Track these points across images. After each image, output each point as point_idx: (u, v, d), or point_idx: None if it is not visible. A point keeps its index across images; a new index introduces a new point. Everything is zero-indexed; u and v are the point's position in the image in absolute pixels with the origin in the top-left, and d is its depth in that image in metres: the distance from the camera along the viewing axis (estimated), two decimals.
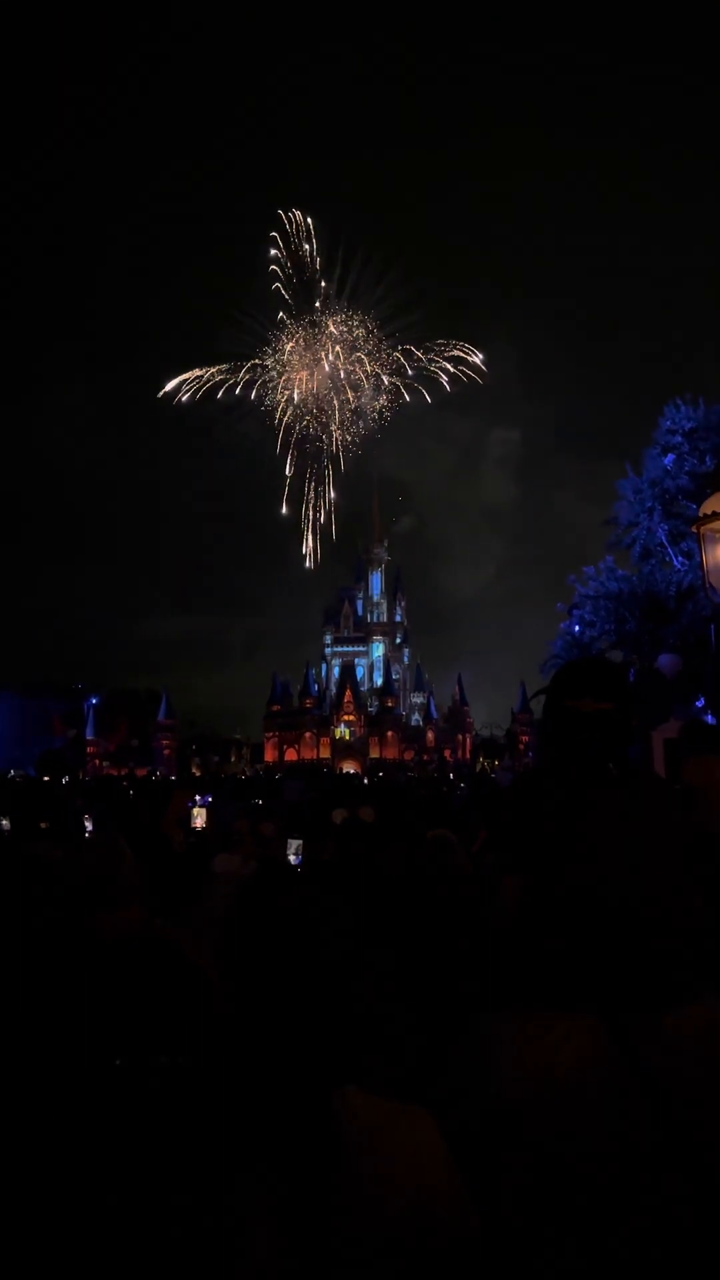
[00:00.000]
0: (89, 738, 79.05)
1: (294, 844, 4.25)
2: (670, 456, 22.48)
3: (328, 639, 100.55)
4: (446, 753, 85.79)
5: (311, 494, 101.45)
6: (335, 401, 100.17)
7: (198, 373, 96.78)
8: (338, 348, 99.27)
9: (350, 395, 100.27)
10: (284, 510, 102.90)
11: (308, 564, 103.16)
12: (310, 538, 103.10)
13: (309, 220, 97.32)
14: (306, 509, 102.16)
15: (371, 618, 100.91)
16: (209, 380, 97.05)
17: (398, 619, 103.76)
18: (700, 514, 7.74)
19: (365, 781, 43.36)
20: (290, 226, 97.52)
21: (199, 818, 7.14)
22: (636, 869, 1.49)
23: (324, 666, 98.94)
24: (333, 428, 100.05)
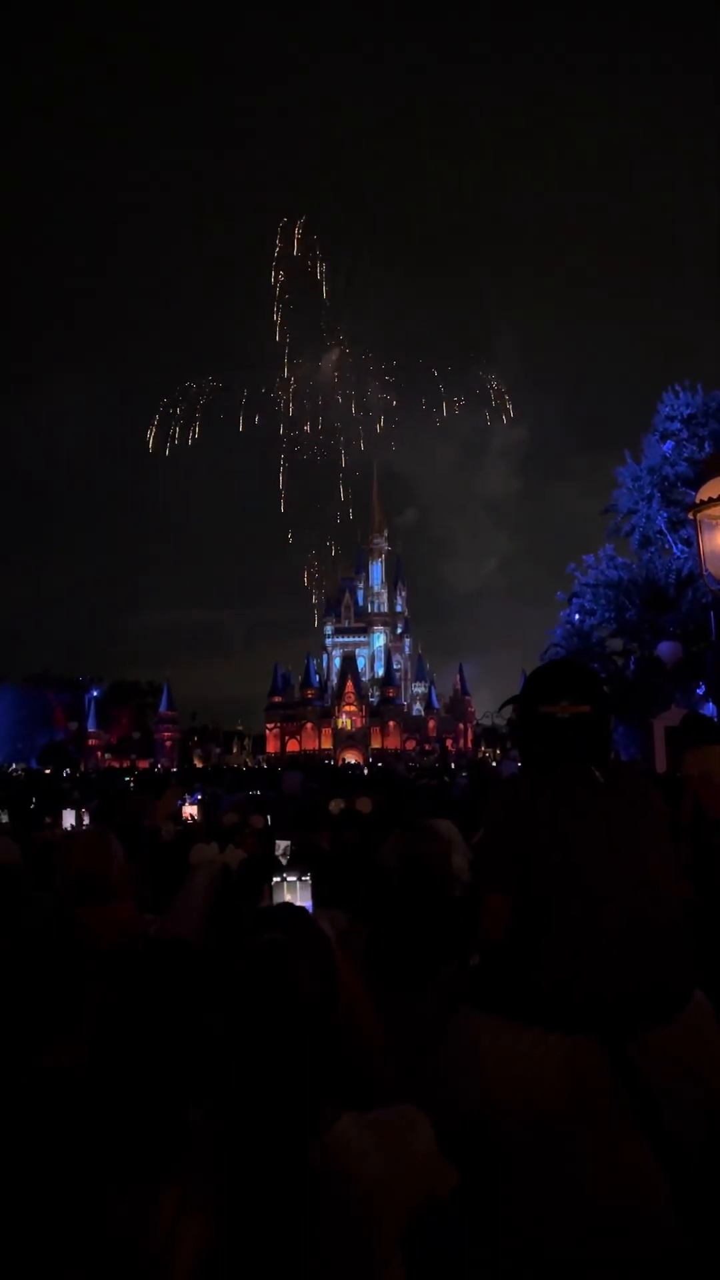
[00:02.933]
0: (91, 730, 79.01)
1: (282, 845, 4.17)
2: (669, 443, 22.40)
3: (329, 629, 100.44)
4: (448, 742, 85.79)
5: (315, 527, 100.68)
6: (339, 422, 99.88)
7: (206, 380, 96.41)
8: (342, 353, 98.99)
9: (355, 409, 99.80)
10: (290, 540, 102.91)
11: (306, 582, 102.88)
12: (312, 572, 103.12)
13: (314, 236, 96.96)
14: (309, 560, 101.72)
15: (372, 608, 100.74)
16: (213, 387, 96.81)
17: (399, 609, 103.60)
18: (697, 500, 7.69)
19: (366, 772, 43.38)
20: (294, 239, 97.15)
21: (189, 811, 7.10)
22: (634, 893, 1.47)
23: (325, 657, 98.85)
24: (340, 452, 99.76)
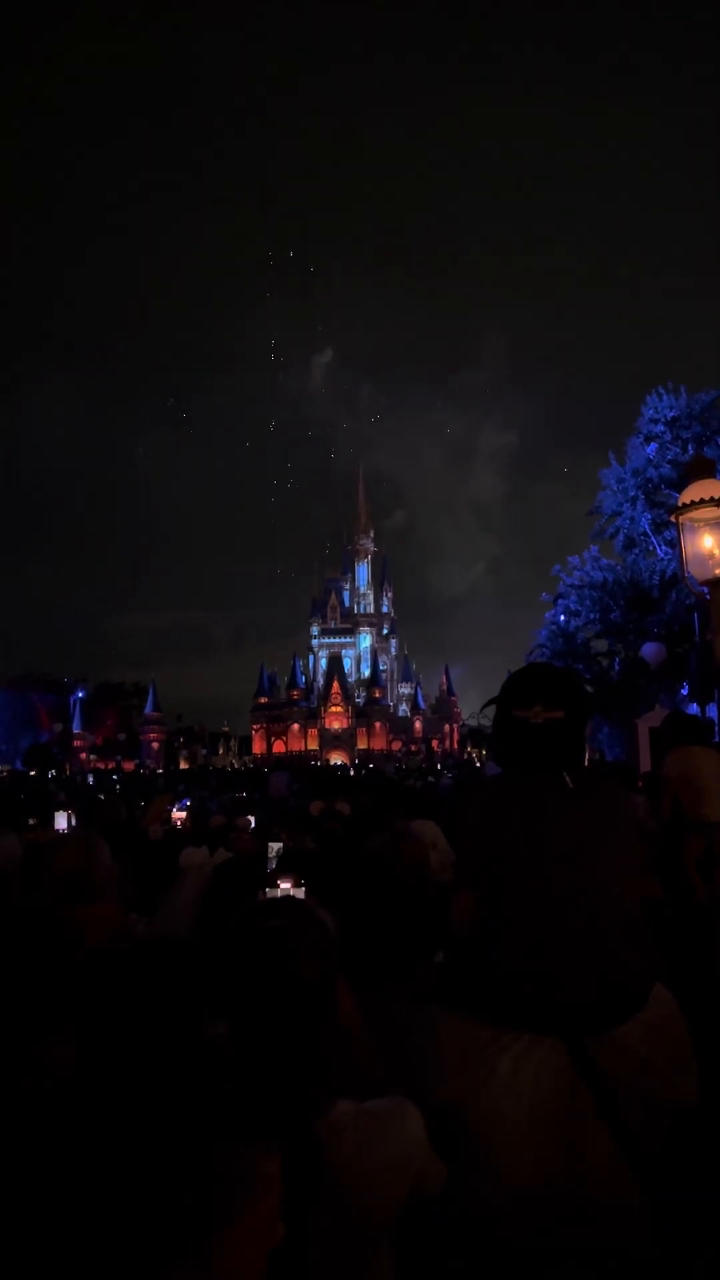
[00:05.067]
0: (76, 731, 78.63)
1: (275, 847, 4.20)
2: (653, 445, 22.51)
3: (315, 630, 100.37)
4: (434, 743, 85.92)
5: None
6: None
7: None
8: (332, 357, 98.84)
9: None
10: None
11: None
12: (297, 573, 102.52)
13: (306, 241, 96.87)
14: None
15: (358, 608, 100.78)
16: (202, 390, 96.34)
17: (385, 610, 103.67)
18: (679, 503, 7.77)
19: (352, 773, 43.40)
20: (286, 245, 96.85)
21: (178, 816, 7.11)
22: (593, 896, 1.49)
23: (311, 658, 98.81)
24: (328, 454, 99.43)
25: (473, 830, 1.72)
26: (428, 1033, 1.61)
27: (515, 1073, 1.47)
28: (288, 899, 1.64)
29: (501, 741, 1.72)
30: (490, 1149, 1.48)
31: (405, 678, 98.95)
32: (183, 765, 73.21)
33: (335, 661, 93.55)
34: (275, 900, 1.61)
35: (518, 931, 1.52)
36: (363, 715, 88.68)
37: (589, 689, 24.18)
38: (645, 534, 23.32)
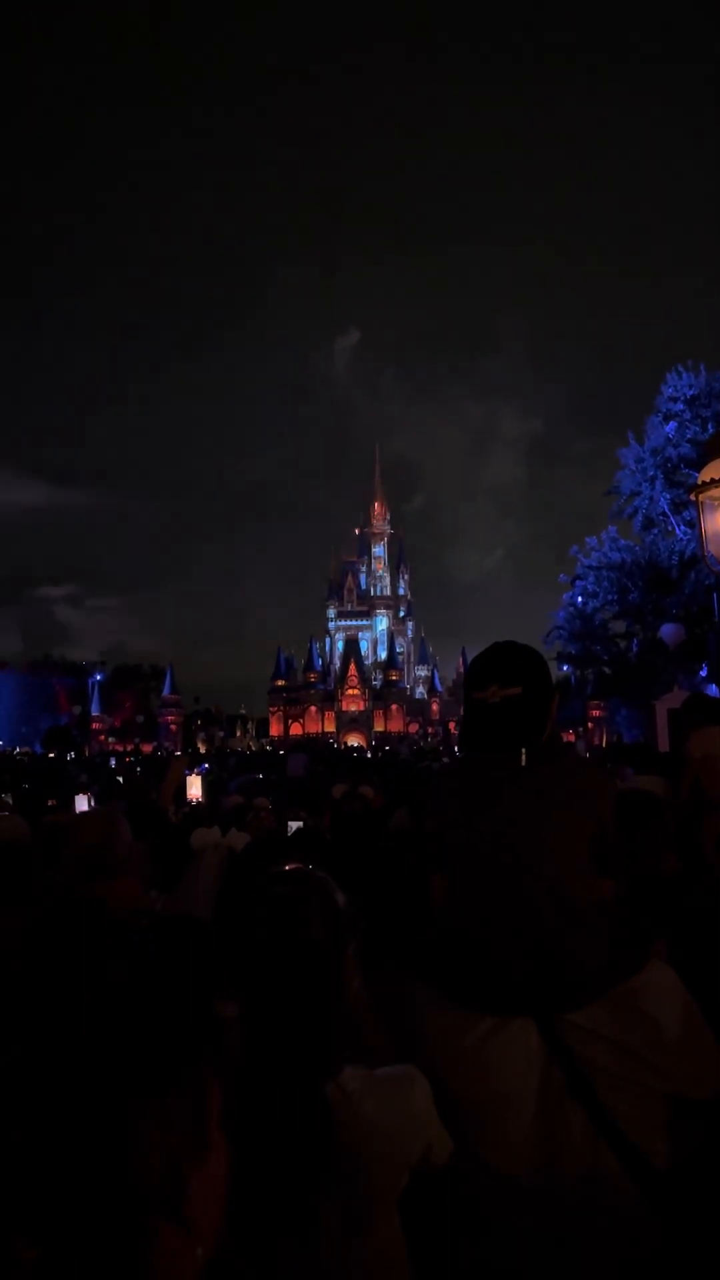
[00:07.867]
0: (94, 714, 79.16)
1: (293, 826, 4.22)
2: (672, 424, 22.31)
3: (331, 612, 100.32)
4: (451, 725, 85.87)
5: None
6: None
7: None
8: (358, 339, 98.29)
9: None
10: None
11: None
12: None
13: (326, 221, 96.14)
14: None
15: (375, 591, 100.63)
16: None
17: (401, 592, 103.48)
18: (699, 481, 7.68)
19: (369, 755, 43.53)
20: (308, 225, 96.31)
21: (194, 787, 7.10)
22: (528, 879, 1.48)
23: (328, 640, 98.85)
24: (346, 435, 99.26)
25: (432, 813, 1.73)
26: (409, 1012, 1.63)
27: (479, 1052, 1.48)
28: (298, 870, 1.66)
29: (463, 723, 1.71)
30: (463, 1126, 1.50)
31: (422, 660, 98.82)
32: (201, 747, 73.56)
33: (352, 644, 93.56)
34: (286, 871, 1.63)
35: (461, 913, 1.53)
36: (380, 697, 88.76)
37: (606, 670, 24.12)
38: (664, 514, 23.17)
